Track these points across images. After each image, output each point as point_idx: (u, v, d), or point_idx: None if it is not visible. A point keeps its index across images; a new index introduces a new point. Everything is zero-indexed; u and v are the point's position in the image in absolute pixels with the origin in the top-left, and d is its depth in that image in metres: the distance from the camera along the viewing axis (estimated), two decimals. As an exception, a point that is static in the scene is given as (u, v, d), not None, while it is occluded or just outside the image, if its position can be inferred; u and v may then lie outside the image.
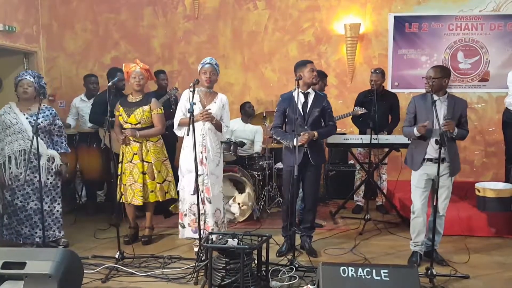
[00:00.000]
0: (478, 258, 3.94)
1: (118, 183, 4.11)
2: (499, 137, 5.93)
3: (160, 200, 4.30)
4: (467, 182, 5.52)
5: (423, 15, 6.16)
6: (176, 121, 3.98)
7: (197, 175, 3.61)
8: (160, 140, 4.33)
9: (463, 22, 6.14)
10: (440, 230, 3.78)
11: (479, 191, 4.63)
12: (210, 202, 3.92)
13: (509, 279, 3.51)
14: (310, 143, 3.82)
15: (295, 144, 3.58)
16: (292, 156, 3.68)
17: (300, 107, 3.82)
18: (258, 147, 5.69)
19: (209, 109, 3.88)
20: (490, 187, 4.59)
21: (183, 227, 3.99)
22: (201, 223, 3.83)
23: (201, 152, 3.87)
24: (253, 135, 5.79)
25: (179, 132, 3.98)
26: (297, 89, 3.70)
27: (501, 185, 4.67)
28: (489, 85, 6.20)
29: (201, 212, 3.81)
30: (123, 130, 4.19)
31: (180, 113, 3.97)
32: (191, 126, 3.49)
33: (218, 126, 3.95)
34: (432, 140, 3.58)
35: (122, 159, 4.20)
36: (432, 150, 3.62)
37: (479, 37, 6.14)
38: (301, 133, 3.74)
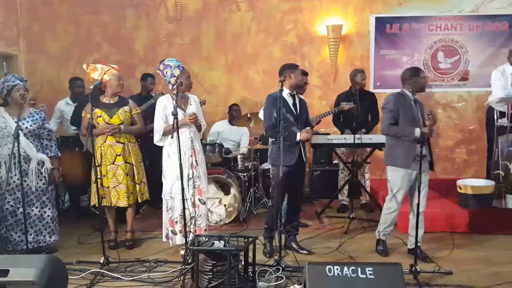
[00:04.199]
0: (460, 254, 4.01)
1: (98, 187, 4.04)
2: (479, 135, 6.06)
3: (140, 201, 4.31)
4: (449, 179, 5.63)
5: (404, 16, 6.25)
6: (159, 131, 3.89)
7: (182, 179, 3.60)
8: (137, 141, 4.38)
9: (443, 23, 6.25)
10: (422, 226, 3.85)
11: (460, 188, 4.72)
12: (203, 203, 3.97)
13: (492, 274, 3.58)
14: (303, 143, 3.91)
15: (300, 138, 3.77)
16: (287, 155, 3.71)
17: (292, 108, 3.93)
18: (244, 149, 5.70)
19: (194, 112, 3.90)
20: (471, 184, 4.68)
21: (175, 234, 3.95)
22: (192, 226, 3.91)
23: (191, 156, 3.90)
24: (239, 137, 5.80)
25: (161, 142, 3.92)
26: (286, 90, 3.89)
27: (482, 182, 4.78)
28: (469, 84, 6.33)
29: (191, 215, 3.89)
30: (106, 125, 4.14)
31: (161, 122, 3.89)
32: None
33: (198, 127, 4.01)
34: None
35: (101, 161, 4.15)
36: (418, 148, 3.62)
37: (459, 37, 6.26)
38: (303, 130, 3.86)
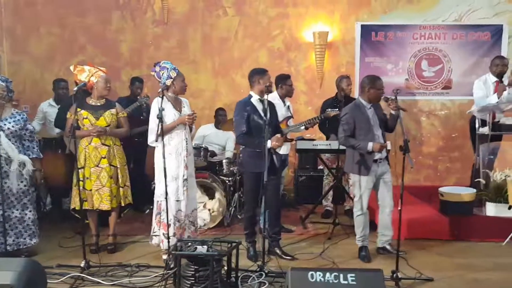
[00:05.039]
0: (441, 260, 4.06)
1: (80, 189, 3.99)
2: (462, 143, 6.15)
3: (123, 205, 4.27)
4: (432, 186, 5.71)
5: (389, 24, 6.33)
6: (154, 131, 3.82)
7: (165, 182, 3.58)
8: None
9: (427, 32, 6.35)
10: (391, 225, 4.09)
11: (442, 195, 4.78)
12: (188, 204, 4.00)
13: (472, 280, 3.63)
14: (274, 149, 3.91)
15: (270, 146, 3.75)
16: (260, 161, 3.73)
17: (262, 113, 3.94)
18: (229, 153, 5.70)
19: (193, 111, 3.96)
20: (452, 192, 4.75)
21: (167, 238, 3.88)
22: (187, 226, 3.97)
23: (186, 156, 3.93)
24: (225, 141, 5.80)
25: (155, 143, 3.85)
26: (255, 95, 3.96)
27: (463, 190, 4.85)
28: (451, 92, 6.42)
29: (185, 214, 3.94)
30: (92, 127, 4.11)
31: (157, 122, 3.84)
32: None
33: (190, 129, 4.05)
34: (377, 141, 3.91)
35: (85, 164, 4.11)
36: (375, 155, 3.92)
37: (442, 46, 6.37)
38: (273, 137, 3.83)
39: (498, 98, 4.88)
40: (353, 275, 2.74)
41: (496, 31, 6.25)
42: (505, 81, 4.99)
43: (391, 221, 4.08)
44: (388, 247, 4.13)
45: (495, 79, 5.08)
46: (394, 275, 3.45)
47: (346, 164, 4.21)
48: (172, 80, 3.89)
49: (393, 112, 3.96)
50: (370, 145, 3.86)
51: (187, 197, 3.97)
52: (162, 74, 3.90)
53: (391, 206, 4.04)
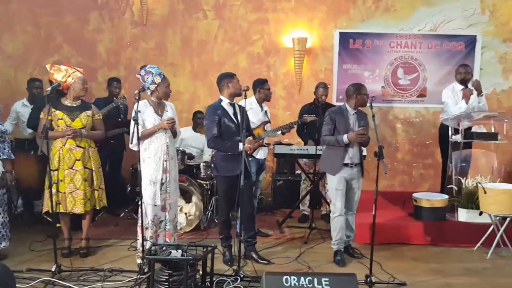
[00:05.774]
0: (415, 265, 4.12)
1: (54, 192, 3.91)
2: (435, 150, 6.28)
3: (97, 208, 4.21)
4: (406, 192, 5.81)
5: (367, 32, 6.43)
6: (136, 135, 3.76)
7: (140, 186, 3.53)
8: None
9: (403, 40, 6.47)
10: (354, 227, 4.32)
11: (415, 201, 4.87)
12: (171, 208, 3.98)
13: (444, 285, 3.70)
14: (246, 152, 3.91)
15: (240, 150, 3.76)
16: (233, 165, 3.78)
17: (233, 117, 3.98)
18: (207, 156, 5.67)
19: (171, 117, 3.92)
20: (426, 197, 4.84)
21: (145, 240, 3.86)
22: (161, 230, 3.94)
23: (165, 161, 3.90)
24: (203, 144, 5.77)
25: (136, 146, 3.75)
26: (225, 99, 4.00)
27: (436, 196, 4.95)
28: (426, 100, 6.56)
29: (161, 219, 3.91)
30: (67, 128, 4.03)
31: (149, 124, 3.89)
32: (135, 135, 3.51)
33: (174, 133, 4.02)
34: (351, 147, 4.06)
35: (59, 166, 4.03)
36: (348, 156, 4.06)
37: (418, 55, 6.50)
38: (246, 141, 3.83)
39: (467, 103, 5.02)
40: (327, 279, 2.77)
41: (470, 42, 6.42)
42: (470, 87, 5.13)
43: (353, 223, 4.30)
44: (349, 247, 4.31)
45: (461, 86, 5.22)
46: (368, 279, 3.49)
47: (320, 162, 4.42)
48: (156, 85, 3.88)
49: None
50: (345, 137, 4.00)
51: (172, 202, 3.96)
52: (147, 78, 3.88)
53: (355, 210, 4.27)
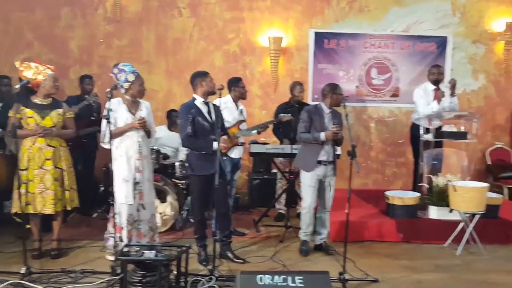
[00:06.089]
0: (387, 262, 4.20)
1: (23, 192, 3.81)
2: (408, 149, 6.40)
3: (69, 209, 4.13)
4: (379, 190, 5.89)
5: (341, 32, 6.50)
6: (107, 133, 3.71)
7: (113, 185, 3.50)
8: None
9: (377, 41, 6.58)
10: (328, 224, 4.38)
11: (388, 199, 4.95)
12: (144, 208, 3.93)
13: (416, 281, 3.77)
14: (221, 151, 3.91)
15: (215, 149, 3.77)
16: (207, 163, 3.78)
17: (207, 116, 3.96)
18: (182, 155, 5.62)
19: (143, 117, 3.88)
20: (398, 195, 4.93)
21: (121, 241, 3.78)
22: (134, 230, 3.88)
23: (138, 159, 3.86)
24: (178, 143, 5.70)
25: (107, 145, 3.76)
26: (199, 98, 3.99)
27: (408, 194, 5.04)
28: (399, 100, 6.68)
29: (135, 219, 3.87)
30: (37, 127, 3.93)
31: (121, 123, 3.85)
32: (107, 133, 3.48)
33: (148, 133, 3.98)
34: (326, 145, 4.16)
35: (28, 165, 3.93)
36: (323, 153, 4.17)
37: (391, 55, 6.62)
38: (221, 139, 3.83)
39: (438, 104, 5.13)
40: (301, 277, 2.79)
41: (441, 42, 6.57)
42: (443, 88, 5.24)
43: (327, 221, 4.37)
44: (323, 245, 4.38)
45: (433, 86, 5.33)
46: (341, 276, 3.53)
47: (295, 159, 4.50)
48: (130, 84, 3.84)
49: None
50: (322, 134, 4.11)
51: (148, 203, 3.93)
52: (120, 76, 3.84)
53: (329, 208, 4.34)
